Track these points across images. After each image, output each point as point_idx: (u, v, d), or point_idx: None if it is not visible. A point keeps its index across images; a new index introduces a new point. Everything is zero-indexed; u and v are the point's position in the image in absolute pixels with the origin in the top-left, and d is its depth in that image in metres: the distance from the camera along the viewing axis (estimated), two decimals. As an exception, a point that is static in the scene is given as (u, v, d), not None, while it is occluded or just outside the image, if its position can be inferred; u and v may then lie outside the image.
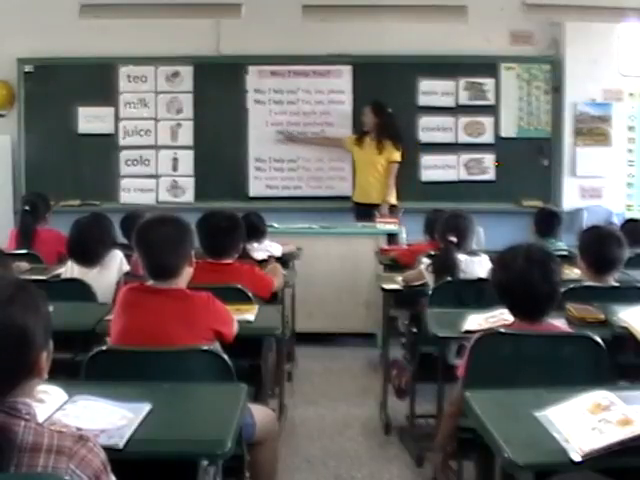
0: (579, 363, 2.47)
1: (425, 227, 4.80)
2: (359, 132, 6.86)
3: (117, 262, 3.92)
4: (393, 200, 6.67)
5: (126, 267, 3.92)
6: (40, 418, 1.53)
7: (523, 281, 2.55)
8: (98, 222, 4.04)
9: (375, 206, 6.53)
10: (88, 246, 3.87)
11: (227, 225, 3.73)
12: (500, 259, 2.70)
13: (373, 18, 6.80)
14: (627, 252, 3.50)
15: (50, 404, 1.96)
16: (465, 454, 2.71)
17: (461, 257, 3.80)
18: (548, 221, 5.18)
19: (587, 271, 3.39)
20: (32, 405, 1.48)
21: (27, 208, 5.03)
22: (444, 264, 3.79)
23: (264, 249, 4.70)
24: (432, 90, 7.12)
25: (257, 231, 4.71)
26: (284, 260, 4.85)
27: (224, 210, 3.94)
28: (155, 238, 2.70)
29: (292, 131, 7.14)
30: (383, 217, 6.28)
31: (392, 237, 5.92)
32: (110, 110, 7.15)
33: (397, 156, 6.69)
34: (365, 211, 6.56)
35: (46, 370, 1.52)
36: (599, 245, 3.35)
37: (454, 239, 3.79)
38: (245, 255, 4.04)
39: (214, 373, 2.42)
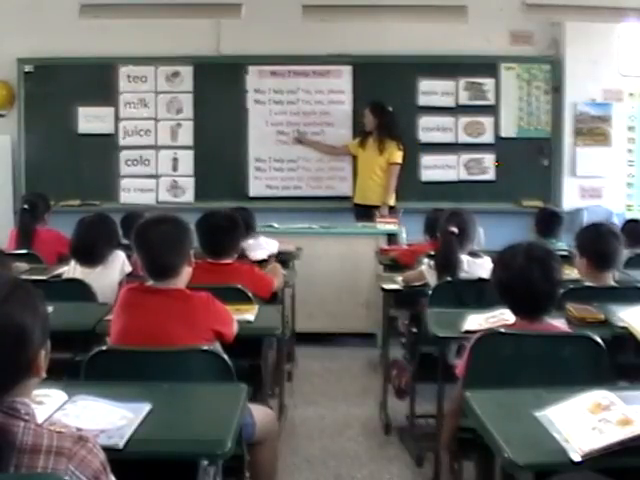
0: (579, 363, 2.47)
1: (425, 227, 4.80)
2: (361, 134, 6.84)
3: (119, 263, 3.92)
4: (392, 202, 6.65)
5: (128, 268, 3.92)
6: (40, 418, 1.53)
7: (523, 279, 2.55)
8: (103, 222, 4.04)
9: (374, 207, 6.53)
10: (93, 245, 3.87)
11: (226, 225, 3.73)
12: (500, 258, 2.70)
13: (373, 18, 6.80)
14: (624, 249, 3.51)
15: (50, 405, 1.96)
16: (465, 454, 2.71)
17: (463, 258, 3.79)
18: (549, 221, 5.17)
19: (586, 269, 3.39)
20: (31, 405, 1.47)
21: (26, 207, 5.03)
22: (446, 257, 3.79)
23: (260, 247, 4.69)
24: (432, 90, 7.12)
25: (247, 227, 4.70)
26: (284, 260, 4.84)
27: (223, 210, 3.94)
28: (154, 237, 2.70)
29: (305, 132, 7.13)
30: (383, 217, 6.29)
31: (392, 237, 5.92)
32: (110, 110, 7.15)
33: (398, 157, 6.67)
34: (364, 212, 6.55)
35: (44, 369, 1.52)
36: (598, 241, 3.36)
37: (455, 230, 3.79)
38: (242, 255, 4.02)
39: (214, 373, 2.42)
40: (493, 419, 1.96)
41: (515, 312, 2.64)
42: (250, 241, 4.61)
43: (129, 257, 3.88)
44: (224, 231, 3.71)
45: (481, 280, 3.60)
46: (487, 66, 7.12)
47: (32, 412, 1.46)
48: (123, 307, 2.71)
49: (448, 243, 3.81)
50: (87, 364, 2.41)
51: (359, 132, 6.88)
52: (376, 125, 6.67)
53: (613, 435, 1.74)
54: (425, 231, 4.77)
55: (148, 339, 2.55)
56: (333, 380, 5.10)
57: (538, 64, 7.14)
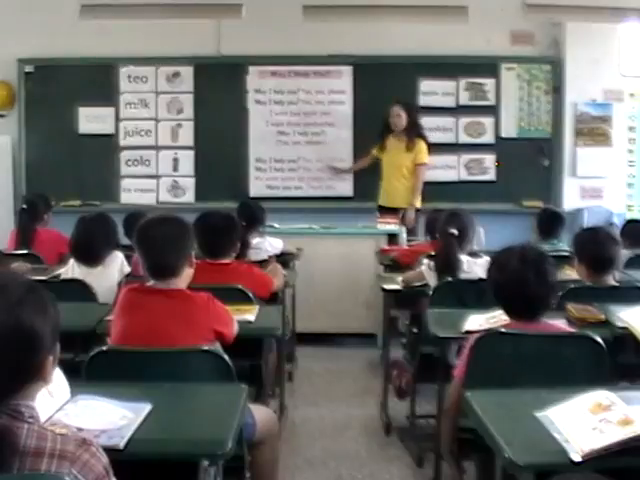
0: (579, 363, 2.47)
1: (425, 227, 4.80)
2: (381, 135, 6.55)
3: (118, 263, 3.92)
4: (418, 204, 6.43)
5: (127, 269, 3.92)
6: (42, 416, 1.52)
7: (517, 282, 2.57)
8: (103, 221, 4.05)
9: (399, 209, 6.28)
10: (92, 243, 3.87)
11: (224, 225, 3.72)
12: (495, 260, 2.72)
13: (373, 18, 6.80)
14: (625, 249, 3.51)
15: (55, 401, 1.95)
16: (465, 454, 2.71)
17: (463, 258, 3.79)
18: (550, 222, 5.16)
19: (587, 273, 3.39)
20: (35, 407, 1.47)
21: (24, 207, 5.05)
22: (445, 259, 3.79)
23: (262, 251, 4.69)
24: (432, 90, 7.12)
25: (255, 219, 4.71)
26: (284, 260, 4.84)
27: (220, 210, 3.93)
28: (156, 237, 2.70)
29: (338, 166, 7.03)
30: (408, 220, 6.16)
31: (392, 237, 5.89)
32: (110, 110, 7.15)
33: (426, 157, 6.47)
34: (389, 214, 6.24)
35: (51, 374, 1.51)
36: (596, 247, 3.36)
37: (455, 231, 3.79)
38: (243, 252, 4.00)
39: (214, 373, 2.42)
40: (493, 419, 1.96)
41: (509, 314, 2.65)
42: (255, 240, 4.62)
43: (130, 257, 3.88)
44: (221, 231, 3.70)
45: (481, 280, 3.59)
46: (487, 66, 7.12)
47: (36, 415, 1.46)
48: (123, 307, 2.71)
49: (448, 245, 3.81)
50: (88, 364, 2.41)
51: (380, 134, 6.57)
52: (408, 124, 6.45)
53: (614, 435, 1.74)
54: (425, 231, 4.77)
55: (148, 339, 2.55)
56: (334, 380, 5.10)
57: (538, 64, 7.14)
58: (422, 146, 6.50)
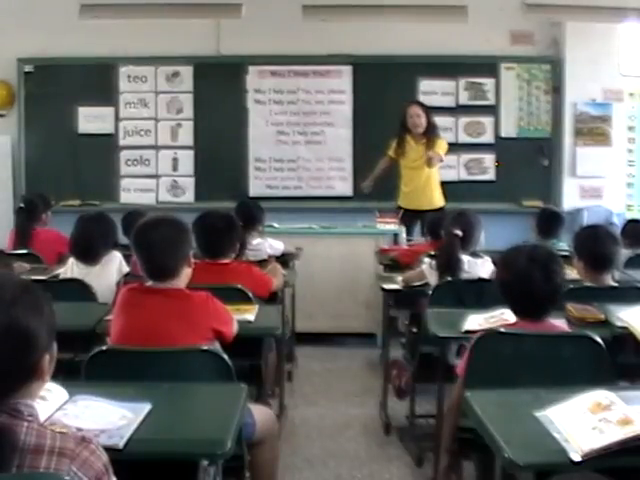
0: (579, 363, 2.46)
1: (428, 227, 4.79)
2: (399, 136, 6.19)
3: (116, 263, 3.93)
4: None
5: (125, 268, 3.93)
6: (41, 417, 1.52)
7: (524, 280, 2.56)
8: (102, 220, 4.05)
9: (424, 212, 5.93)
10: (91, 240, 3.88)
11: (223, 225, 3.72)
12: (503, 258, 2.71)
13: (373, 18, 6.81)
14: (622, 250, 3.52)
15: (51, 402, 1.96)
16: (465, 454, 2.71)
17: (464, 258, 3.80)
18: (550, 221, 5.15)
19: (585, 271, 3.39)
20: (34, 406, 1.47)
21: (21, 206, 5.05)
22: (447, 258, 3.79)
23: (264, 250, 4.69)
24: (432, 90, 7.12)
25: (253, 219, 4.71)
26: (284, 260, 4.84)
27: (219, 210, 3.93)
28: (153, 240, 2.69)
29: (364, 186, 6.51)
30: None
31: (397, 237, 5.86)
32: (110, 110, 7.16)
33: (442, 151, 6.15)
34: (414, 217, 6.08)
35: (49, 373, 1.51)
36: (595, 244, 3.36)
37: (459, 232, 3.79)
38: (241, 252, 4.00)
39: (214, 373, 2.42)
40: (493, 419, 1.96)
41: (516, 312, 2.65)
42: (255, 241, 4.61)
43: (129, 257, 3.88)
44: (221, 231, 3.70)
45: (481, 280, 3.61)
46: (487, 66, 7.12)
47: (35, 414, 1.46)
48: (123, 307, 2.71)
49: (450, 244, 3.81)
50: (87, 364, 2.40)
51: (396, 135, 6.22)
52: (427, 124, 6.16)
53: (613, 435, 1.74)
54: (427, 231, 4.77)
55: (148, 339, 2.54)
56: (333, 380, 5.10)
57: (538, 64, 7.15)
58: (443, 146, 6.16)
